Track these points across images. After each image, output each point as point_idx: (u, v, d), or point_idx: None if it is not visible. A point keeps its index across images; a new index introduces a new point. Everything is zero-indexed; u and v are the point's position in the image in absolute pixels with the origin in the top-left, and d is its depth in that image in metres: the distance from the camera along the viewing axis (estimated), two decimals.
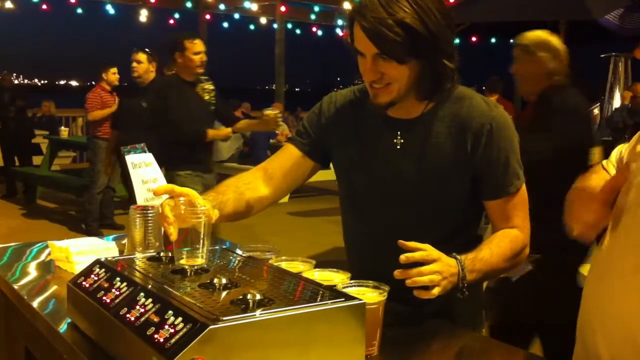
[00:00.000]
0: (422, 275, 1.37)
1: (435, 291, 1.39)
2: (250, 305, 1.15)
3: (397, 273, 1.37)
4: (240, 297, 1.18)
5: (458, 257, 1.47)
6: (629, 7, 1.24)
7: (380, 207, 1.71)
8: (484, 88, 9.53)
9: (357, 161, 1.72)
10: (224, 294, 1.24)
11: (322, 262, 1.61)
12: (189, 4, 12.58)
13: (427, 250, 1.40)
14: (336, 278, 1.46)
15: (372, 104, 1.62)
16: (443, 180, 1.63)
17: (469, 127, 1.61)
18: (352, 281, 1.41)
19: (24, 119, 9.81)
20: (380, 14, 1.46)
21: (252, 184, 1.74)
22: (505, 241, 1.61)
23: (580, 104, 2.94)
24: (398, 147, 1.66)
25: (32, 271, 1.96)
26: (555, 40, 2.89)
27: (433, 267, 1.39)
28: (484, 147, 1.61)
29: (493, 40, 10.64)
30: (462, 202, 1.67)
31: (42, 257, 2.10)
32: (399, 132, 1.66)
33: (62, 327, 1.48)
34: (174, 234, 1.38)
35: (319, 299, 1.21)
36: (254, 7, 12.38)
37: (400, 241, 1.40)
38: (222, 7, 12.62)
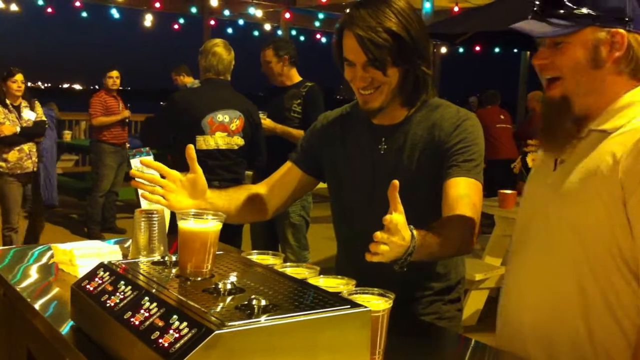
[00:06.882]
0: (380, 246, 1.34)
1: (376, 258, 1.35)
2: (256, 310, 1.14)
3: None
4: (246, 302, 1.17)
5: (415, 236, 1.39)
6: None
7: (366, 209, 1.79)
8: (481, 101, 9.47)
9: (343, 166, 1.86)
10: (228, 299, 1.23)
11: (324, 269, 1.60)
12: (193, 10, 12.61)
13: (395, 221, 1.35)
14: (341, 285, 1.46)
15: (362, 109, 1.76)
16: (420, 179, 1.72)
17: (440, 127, 1.74)
18: (357, 288, 1.40)
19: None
20: (370, 22, 1.63)
21: (255, 195, 1.92)
22: (452, 225, 1.58)
23: None
24: (382, 152, 1.80)
25: (34, 273, 1.96)
26: None
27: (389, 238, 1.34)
28: (450, 136, 1.72)
29: (497, 49, 10.63)
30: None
31: (44, 259, 2.10)
32: (383, 138, 1.80)
33: (65, 330, 1.47)
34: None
35: (324, 305, 1.20)
36: (259, 13, 12.39)
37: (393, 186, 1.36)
38: (226, 12, 12.64)
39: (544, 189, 1.54)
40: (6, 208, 5.55)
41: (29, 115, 5.62)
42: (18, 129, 5.45)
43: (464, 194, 1.65)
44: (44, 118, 5.78)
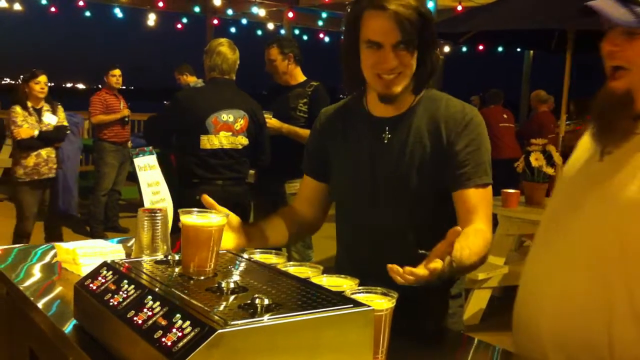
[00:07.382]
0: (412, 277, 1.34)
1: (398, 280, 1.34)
2: (259, 310, 1.14)
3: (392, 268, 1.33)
4: (249, 301, 1.17)
5: (451, 268, 1.39)
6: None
7: (367, 209, 1.78)
8: (484, 100, 9.47)
9: (345, 162, 1.82)
10: (231, 298, 1.23)
11: (326, 269, 1.60)
12: (196, 9, 12.60)
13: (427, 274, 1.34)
14: (344, 284, 1.45)
15: (383, 95, 1.69)
16: (425, 173, 1.69)
17: (445, 121, 1.71)
18: (360, 287, 1.39)
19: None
20: (402, 0, 1.58)
21: (293, 218, 1.93)
22: (480, 245, 1.59)
23: None
24: (385, 141, 1.75)
25: (37, 272, 1.96)
26: None
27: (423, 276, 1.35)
28: (459, 136, 1.69)
29: (500, 48, 10.61)
30: (448, 196, 1.70)
31: (47, 258, 2.10)
32: (387, 128, 1.76)
33: (67, 329, 1.47)
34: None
35: (327, 304, 1.20)
36: (262, 12, 12.38)
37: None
38: (229, 12, 12.63)
39: (585, 178, 1.48)
40: (21, 214, 5.48)
41: (50, 120, 5.48)
42: (36, 133, 5.32)
43: (478, 205, 1.66)
44: (65, 123, 5.63)
